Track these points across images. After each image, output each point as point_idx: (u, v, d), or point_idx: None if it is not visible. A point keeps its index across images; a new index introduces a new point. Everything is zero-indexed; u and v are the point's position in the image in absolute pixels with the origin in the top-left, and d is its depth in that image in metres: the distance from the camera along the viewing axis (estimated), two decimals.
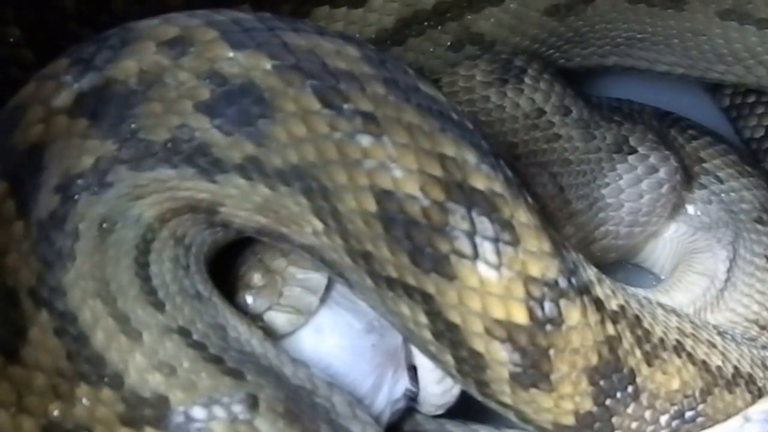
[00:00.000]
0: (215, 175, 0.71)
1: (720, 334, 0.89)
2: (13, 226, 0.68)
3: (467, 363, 0.72)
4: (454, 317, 0.69)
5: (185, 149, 0.70)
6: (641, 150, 1.03)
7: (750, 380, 0.85)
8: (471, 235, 0.68)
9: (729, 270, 1.09)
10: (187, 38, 0.68)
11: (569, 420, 0.74)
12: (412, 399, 0.90)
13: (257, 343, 0.80)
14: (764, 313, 1.05)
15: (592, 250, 1.02)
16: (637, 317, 0.78)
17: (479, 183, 0.68)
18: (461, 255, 0.67)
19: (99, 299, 0.72)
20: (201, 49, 0.67)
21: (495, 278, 0.68)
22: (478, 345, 0.70)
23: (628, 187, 1.03)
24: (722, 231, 1.10)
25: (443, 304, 0.69)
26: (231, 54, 0.68)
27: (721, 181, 1.08)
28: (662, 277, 1.15)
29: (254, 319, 0.82)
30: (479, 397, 0.76)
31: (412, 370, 0.89)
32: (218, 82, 0.68)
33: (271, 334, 0.83)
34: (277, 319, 0.84)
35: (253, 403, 0.74)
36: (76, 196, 0.70)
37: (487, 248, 0.68)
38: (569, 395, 0.72)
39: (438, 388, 0.89)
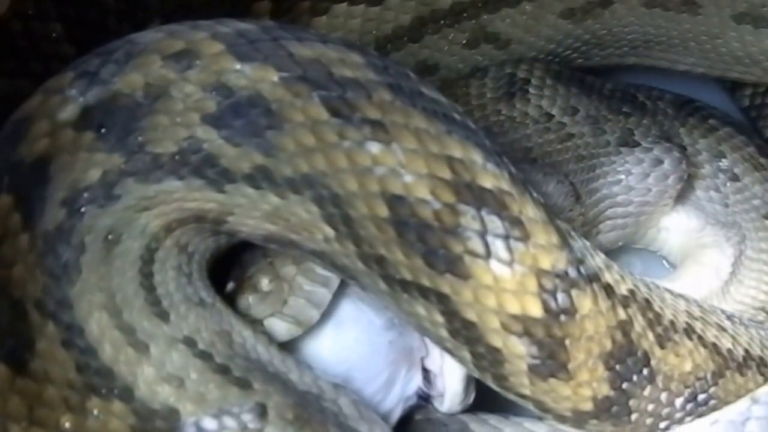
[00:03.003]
0: (224, 185, 0.72)
1: (729, 318, 0.91)
2: (19, 238, 0.69)
3: (485, 358, 0.74)
4: (471, 315, 0.71)
5: (193, 161, 0.71)
6: (645, 143, 1.06)
7: (761, 362, 0.87)
8: (482, 234, 0.69)
9: (734, 266, 1.11)
10: (193, 51, 0.69)
11: (588, 406, 0.75)
12: (424, 399, 0.92)
13: (263, 349, 0.81)
14: None
15: (601, 240, 1.07)
16: (647, 300, 0.79)
17: (487, 182, 0.70)
18: (474, 255, 0.69)
19: (105, 311, 0.72)
20: (207, 62, 0.68)
21: (508, 274, 0.69)
22: (496, 341, 0.71)
23: (636, 180, 1.06)
24: (733, 231, 1.12)
25: (459, 303, 0.70)
26: (238, 66, 0.68)
27: (737, 179, 1.11)
28: (676, 265, 1.18)
29: (253, 321, 0.84)
30: (497, 389, 0.78)
31: (428, 371, 0.91)
32: (225, 95, 0.69)
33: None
34: (277, 326, 0.84)
35: (262, 411, 0.75)
36: (82, 209, 0.71)
37: (498, 246, 0.69)
38: (587, 382, 0.74)
39: (462, 390, 0.90)
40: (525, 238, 0.70)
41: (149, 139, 0.70)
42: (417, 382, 0.91)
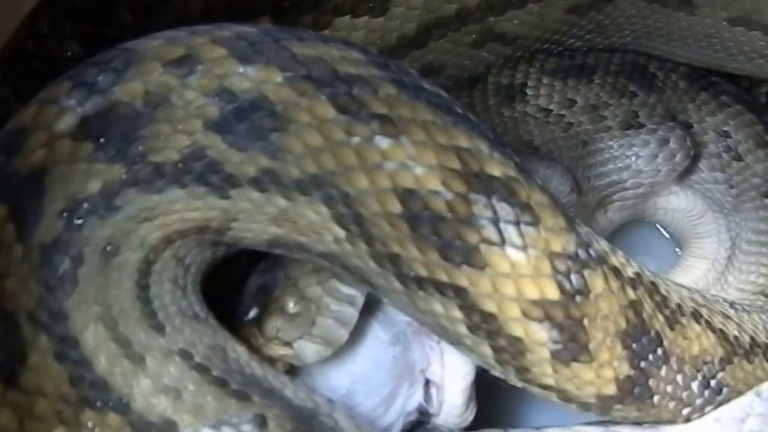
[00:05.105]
0: (228, 190, 0.69)
1: (731, 306, 0.90)
2: (12, 249, 0.67)
3: (506, 351, 0.72)
4: (490, 306, 0.69)
5: (196, 168, 0.68)
6: (650, 124, 1.06)
7: (767, 349, 0.85)
8: (495, 221, 0.67)
9: (730, 256, 1.10)
10: (194, 57, 0.66)
11: (611, 389, 0.74)
12: (424, 414, 0.89)
13: (256, 365, 0.79)
14: None
15: (610, 218, 1.08)
16: (653, 283, 0.79)
17: (495, 170, 0.68)
18: (490, 243, 0.67)
19: (101, 323, 0.70)
20: (209, 66, 0.66)
21: (524, 260, 0.67)
22: (516, 330, 0.70)
23: (645, 163, 1.05)
24: (734, 221, 1.10)
25: (477, 295, 0.68)
26: (241, 69, 0.66)
27: (740, 158, 1.09)
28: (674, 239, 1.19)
29: (283, 345, 0.81)
30: (518, 383, 0.76)
31: (428, 384, 0.88)
32: (228, 99, 0.66)
33: (296, 362, 0.82)
34: (306, 348, 0.81)
35: (262, 423, 0.72)
36: (81, 221, 0.68)
37: (511, 232, 0.67)
38: (608, 362, 0.72)
39: (461, 403, 0.87)
40: (535, 222, 0.68)
41: (150, 148, 0.67)
42: (418, 397, 0.88)
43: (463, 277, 0.67)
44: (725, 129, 1.09)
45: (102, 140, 0.65)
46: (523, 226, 0.67)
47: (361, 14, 0.94)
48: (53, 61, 0.88)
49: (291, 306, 0.81)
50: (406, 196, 0.66)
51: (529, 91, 1.07)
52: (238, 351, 0.77)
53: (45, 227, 0.66)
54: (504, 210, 0.67)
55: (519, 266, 0.67)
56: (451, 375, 0.85)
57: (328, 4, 0.93)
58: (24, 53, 0.88)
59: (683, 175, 1.10)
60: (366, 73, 0.67)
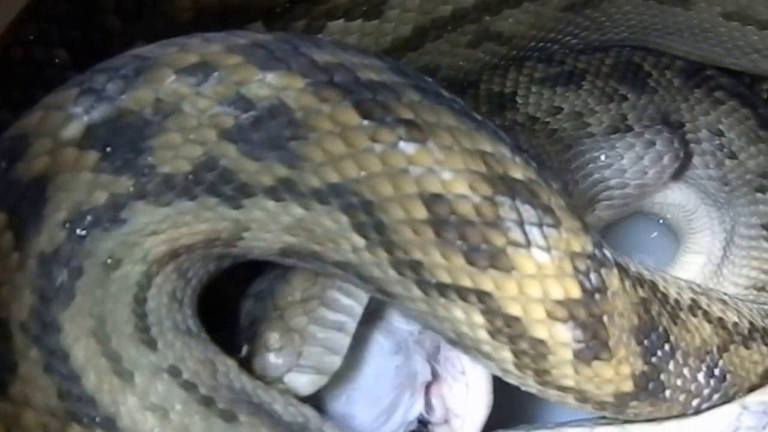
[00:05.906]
0: (241, 200, 0.67)
1: (726, 295, 0.92)
2: (9, 258, 0.65)
3: (527, 355, 0.71)
4: (515, 309, 0.68)
5: (208, 179, 0.66)
6: (637, 127, 1.08)
7: (765, 333, 0.87)
8: (520, 223, 0.67)
9: (725, 248, 1.11)
10: (210, 63, 0.64)
11: (629, 386, 0.74)
12: (424, 425, 0.87)
13: (246, 379, 0.77)
14: (762, 276, 1.08)
15: (599, 215, 1.08)
16: (653, 282, 0.81)
17: (518, 173, 0.68)
18: (516, 245, 0.67)
19: (93, 338, 0.68)
20: (226, 73, 0.64)
21: (548, 261, 0.68)
22: (540, 332, 0.69)
23: (630, 164, 1.06)
24: (728, 215, 1.11)
25: (503, 298, 0.68)
26: (260, 76, 0.64)
27: (734, 156, 1.09)
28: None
29: (275, 381, 0.78)
30: (534, 388, 0.75)
31: (430, 397, 0.87)
32: (244, 107, 0.64)
33: (294, 395, 0.80)
34: (298, 380, 0.79)
35: None
36: (84, 232, 0.66)
37: (536, 234, 0.67)
38: (625, 358, 0.73)
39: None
40: (557, 224, 0.69)
41: (160, 159, 0.65)
42: (419, 407, 0.87)
43: (488, 281, 0.67)
44: (719, 127, 1.11)
45: (109, 150, 0.63)
46: (545, 228, 0.68)
47: (354, 18, 0.93)
48: (40, 67, 0.86)
49: (275, 340, 0.78)
50: (432, 201, 0.65)
51: (519, 100, 1.09)
52: (228, 365, 0.76)
53: (45, 237, 0.64)
54: (528, 212, 0.67)
55: (544, 267, 0.68)
56: (473, 404, 0.82)
57: (321, 8, 0.92)
58: (10, 59, 0.86)
59: (677, 175, 1.11)
60: (388, 79, 0.66)
